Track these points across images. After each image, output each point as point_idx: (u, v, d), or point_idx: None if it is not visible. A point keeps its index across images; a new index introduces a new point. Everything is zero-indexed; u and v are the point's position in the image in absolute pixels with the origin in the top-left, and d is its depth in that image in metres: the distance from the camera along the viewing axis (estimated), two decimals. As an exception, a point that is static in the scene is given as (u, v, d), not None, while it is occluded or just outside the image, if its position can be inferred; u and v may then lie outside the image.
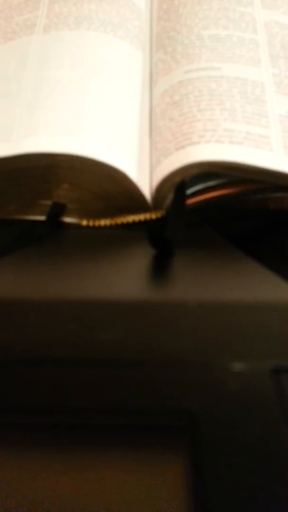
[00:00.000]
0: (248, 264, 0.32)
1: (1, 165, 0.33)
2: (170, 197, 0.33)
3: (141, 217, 0.34)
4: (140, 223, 0.34)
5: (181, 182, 0.33)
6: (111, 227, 0.34)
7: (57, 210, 0.34)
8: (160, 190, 0.33)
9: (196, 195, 0.34)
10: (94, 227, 0.34)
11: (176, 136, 0.34)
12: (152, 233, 0.31)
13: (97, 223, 0.34)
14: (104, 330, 0.28)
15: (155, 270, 0.32)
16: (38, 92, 0.35)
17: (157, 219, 0.34)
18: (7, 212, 0.35)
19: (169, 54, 0.39)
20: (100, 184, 0.33)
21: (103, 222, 0.34)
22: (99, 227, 0.34)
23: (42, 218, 0.34)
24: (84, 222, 0.34)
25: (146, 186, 0.33)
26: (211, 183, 0.33)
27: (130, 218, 0.34)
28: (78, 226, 0.34)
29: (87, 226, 0.34)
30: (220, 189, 0.33)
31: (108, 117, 0.35)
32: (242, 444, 0.24)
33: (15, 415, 0.25)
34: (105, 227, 0.34)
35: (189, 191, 0.33)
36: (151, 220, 0.34)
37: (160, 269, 0.32)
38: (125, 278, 0.32)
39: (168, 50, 0.39)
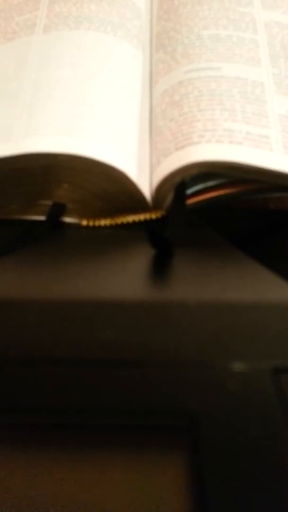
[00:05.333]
0: (248, 264, 0.32)
1: (1, 165, 0.33)
2: (170, 197, 0.33)
3: (141, 217, 0.34)
4: (140, 223, 0.34)
5: (181, 182, 0.33)
6: (111, 227, 0.34)
7: (57, 210, 0.34)
8: (160, 190, 0.33)
9: (196, 195, 0.34)
10: (94, 227, 0.34)
11: (176, 136, 0.34)
12: (152, 233, 0.31)
13: (97, 223, 0.34)
14: (104, 330, 0.28)
15: (155, 270, 0.32)
16: (38, 92, 0.35)
17: (157, 219, 0.34)
18: (7, 212, 0.35)
19: (169, 54, 0.39)
20: (100, 184, 0.33)
21: (103, 222, 0.34)
22: (99, 227, 0.34)
23: (42, 218, 0.34)
24: (84, 222, 0.34)
25: (146, 186, 0.33)
26: (211, 183, 0.33)
27: (130, 218, 0.34)
28: (78, 226, 0.34)
29: (87, 226, 0.34)
30: (220, 189, 0.33)
31: (108, 117, 0.35)
32: (242, 444, 0.24)
33: (15, 415, 0.25)
34: (105, 227, 0.34)
35: (189, 191, 0.33)
36: (151, 220, 0.34)
37: (160, 269, 0.32)
38: (125, 278, 0.32)
39: (168, 50, 0.39)
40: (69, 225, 0.34)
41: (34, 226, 0.34)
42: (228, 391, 0.25)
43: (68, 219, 0.34)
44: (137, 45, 0.40)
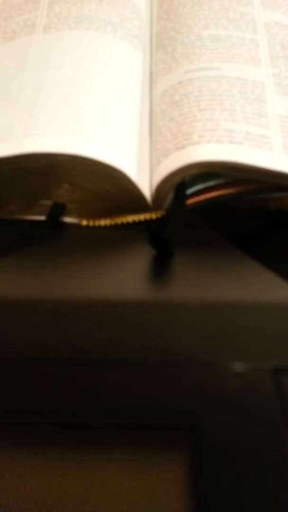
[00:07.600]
0: (248, 264, 0.32)
1: (1, 165, 0.33)
2: (170, 197, 0.33)
3: (141, 217, 0.34)
4: (140, 223, 0.34)
5: (181, 182, 0.33)
6: (111, 227, 0.34)
7: (57, 210, 0.34)
8: (160, 190, 0.33)
9: (196, 195, 0.34)
10: (94, 227, 0.34)
11: (176, 136, 0.34)
12: (152, 233, 0.31)
13: (97, 223, 0.34)
14: (104, 330, 0.28)
15: (155, 270, 0.32)
16: (38, 92, 0.35)
17: (157, 219, 0.34)
18: (7, 212, 0.35)
19: (169, 54, 0.39)
20: (100, 184, 0.33)
21: (103, 222, 0.34)
22: (99, 227, 0.34)
23: (42, 218, 0.34)
24: (84, 222, 0.34)
25: (146, 186, 0.33)
26: (211, 183, 0.33)
27: (130, 218, 0.34)
28: (78, 226, 0.34)
29: (87, 226, 0.34)
30: (220, 189, 0.33)
31: (108, 117, 0.35)
32: (242, 444, 0.24)
33: (15, 415, 0.25)
34: (105, 227, 0.34)
35: (189, 191, 0.33)
36: (151, 220, 0.34)
37: (160, 269, 0.32)
38: (125, 278, 0.32)
39: (168, 50, 0.39)
40: (69, 225, 0.34)
41: (34, 226, 0.34)
42: (228, 391, 0.25)
43: (68, 219, 0.34)
44: (137, 45, 0.40)
